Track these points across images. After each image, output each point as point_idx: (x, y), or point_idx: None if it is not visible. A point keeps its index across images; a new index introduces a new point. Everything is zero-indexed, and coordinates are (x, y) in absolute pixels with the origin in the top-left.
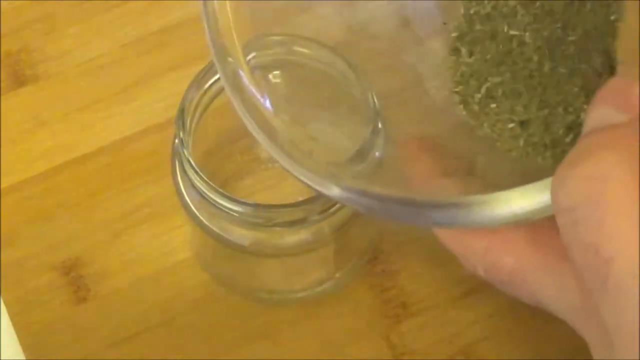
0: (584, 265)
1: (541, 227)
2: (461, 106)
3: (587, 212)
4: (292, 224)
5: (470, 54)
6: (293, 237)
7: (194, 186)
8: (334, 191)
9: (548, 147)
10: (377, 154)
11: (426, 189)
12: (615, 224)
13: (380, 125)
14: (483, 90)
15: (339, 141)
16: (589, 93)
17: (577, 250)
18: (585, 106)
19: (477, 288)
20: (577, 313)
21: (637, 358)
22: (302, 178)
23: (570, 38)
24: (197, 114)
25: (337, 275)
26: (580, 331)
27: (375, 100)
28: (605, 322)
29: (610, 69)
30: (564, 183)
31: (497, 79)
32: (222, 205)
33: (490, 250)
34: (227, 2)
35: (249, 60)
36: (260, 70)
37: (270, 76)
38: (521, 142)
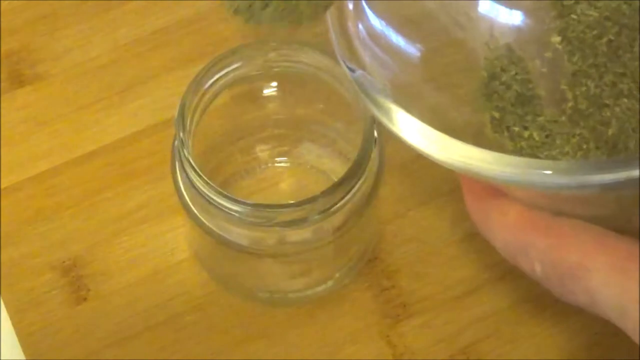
0: None
1: (607, 233)
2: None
3: None
4: (292, 223)
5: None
6: (293, 237)
7: (193, 186)
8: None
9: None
10: None
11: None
12: None
13: (376, 134)
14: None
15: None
16: None
17: None
18: None
19: (477, 288)
20: (634, 317)
21: None
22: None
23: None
24: (197, 114)
25: (337, 275)
26: (633, 335)
27: None
28: None
29: None
30: None
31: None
32: (222, 205)
33: (556, 246)
34: None
35: (241, 66)
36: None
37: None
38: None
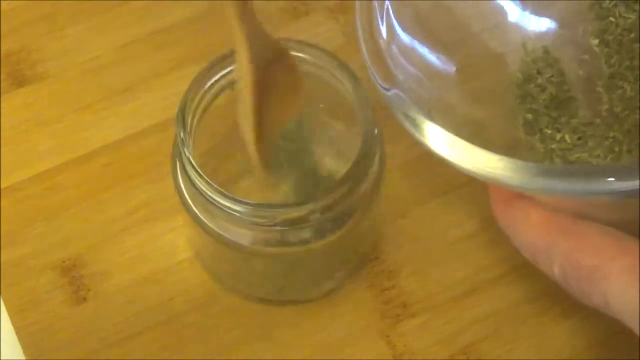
0: None
1: (628, 237)
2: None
3: None
4: (293, 223)
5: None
6: (293, 237)
7: (194, 186)
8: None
9: None
10: None
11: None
12: None
13: (377, 134)
14: None
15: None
16: None
17: None
18: None
19: (477, 288)
20: None
21: None
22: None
23: None
24: (197, 114)
25: (337, 275)
26: None
27: (373, 108)
28: None
29: None
30: None
31: None
32: (222, 204)
33: (576, 249)
34: None
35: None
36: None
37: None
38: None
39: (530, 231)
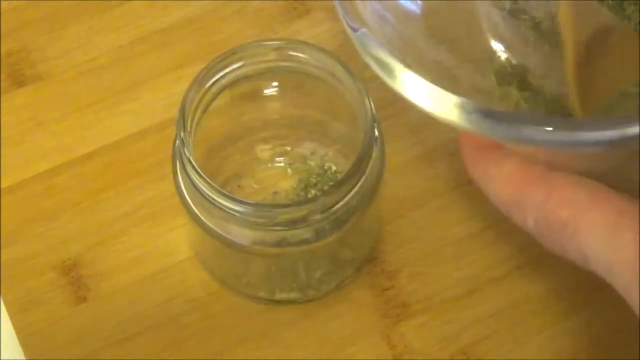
0: None
1: (602, 188)
2: None
3: None
4: (293, 223)
5: None
6: (293, 237)
7: (194, 186)
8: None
9: None
10: None
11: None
12: None
13: (377, 134)
14: None
15: None
16: None
17: None
18: None
19: (477, 288)
20: (624, 274)
21: None
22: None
23: None
24: (197, 114)
25: (337, 275)
26: (623, 291)
27: (373, 107)
28: None
29: None
30: None
31: None
32: (222, 205)
33: (548, 202)
34: None
35: (241, 66)
36: (256, 76)
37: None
38: None
39: (503, 183)
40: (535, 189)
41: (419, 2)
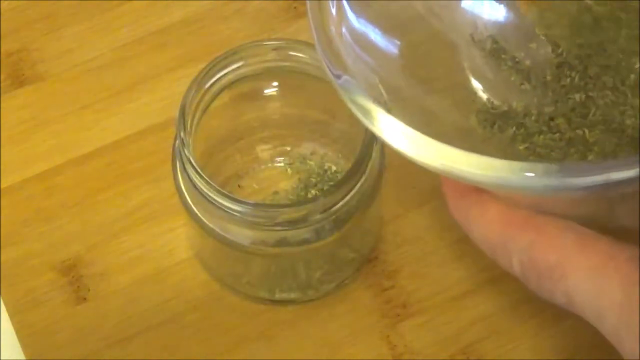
0: None
1: (588, 232)
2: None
3: None
4: (293, 223)
5: None
6: (293, 237)
7: (194, 186)
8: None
9: None
10: None
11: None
12: None
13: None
14: None
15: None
16: None
17: None
18: None
19: (477, 288)
20: (611, 319)
21: None
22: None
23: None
24: (197, 114)
25: (337, 275)
26: (610, 337)
27: None
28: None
29: None
30: None
31: None
32: (222, 205)
33: (535, 245)
34: None
35: (241, 66)
36: (256, 76)
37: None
38: None
39: (488, 226)
40: (521, 232)
41: (396, 42)
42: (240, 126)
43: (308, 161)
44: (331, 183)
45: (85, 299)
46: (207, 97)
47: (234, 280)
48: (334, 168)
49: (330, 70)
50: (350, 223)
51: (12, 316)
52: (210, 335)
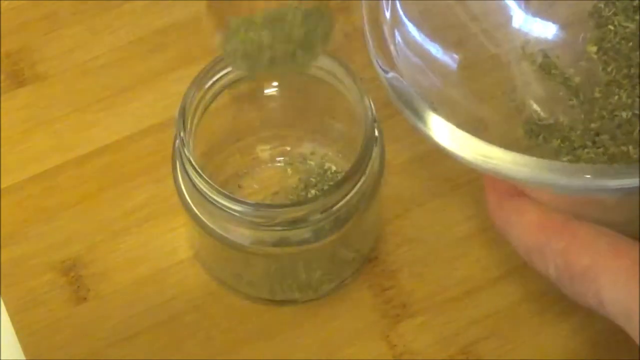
0: None
1: (621, 238)
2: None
3: None
4: (293, 223)
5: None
6: (293, 237)
7: (194, 186)
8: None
9: None
10: None
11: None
12: None
13: (377, 134)
14: None
15: None
16: None
17: None
18: None
19: (477, 288)
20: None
21: None
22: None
23: None
24: (197, 114)
25: (337, 275)
26: (638, 339)
27: (373, 107)
28: None
29: None
30: None
31: None
32: (222, 205)
33: (570, 248)
34: None
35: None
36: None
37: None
38: None
39: (525, 231)
40: (557, 236)
41: (453, 55)
42: (240, 126)
43: (308, 161)
44: (331, 183)
45: (85, 299)
46: (207, 97)
47: (234, 281)
48: (334, 168)
49: (378, 64)
50: (350, 223)
51: (12, 316)
52: (210, 335)
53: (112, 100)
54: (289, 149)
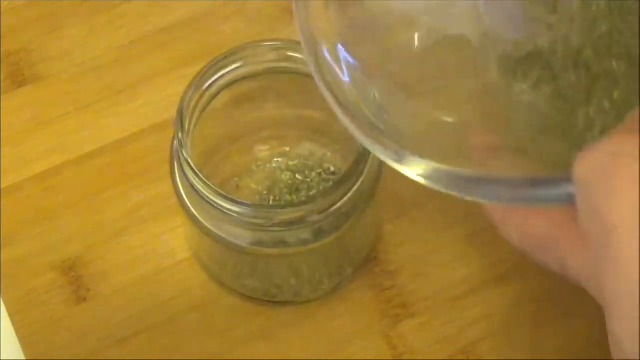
0: (589, 232)
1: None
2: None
3: (598, 182)
4: (292, 224)
5: None
6: (292, 237)
7: (192, 187)
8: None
9: None
10: None
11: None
12: (621, 195)
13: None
14: None
15: None
16: None
17: (585, 217)
18: None
19: (477, 288)
20: (594, 282)
21: (633, 327)
22: (374, 149)
23: None
24: (196, 115)
25: (337, 275)
26: (599, 300)
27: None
28: (604, 289)
29: None
30: (586, 154)
31: None
32: (221, 205)
33: (527, 220)
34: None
35: (240, 66)
36: (255, 76)
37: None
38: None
39: (492, 207)
40: (515, 210)
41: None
42: (238, 126)
43: (306, 162)
44: (330, 184)
45: (85, 299)
46: (206, 98)
47: (233, 281)
48: (332, 168)
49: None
50: (349, 223)
51: (12, 316)
52: (210, 335)
53: (112, 100)
54: (287, 149)
